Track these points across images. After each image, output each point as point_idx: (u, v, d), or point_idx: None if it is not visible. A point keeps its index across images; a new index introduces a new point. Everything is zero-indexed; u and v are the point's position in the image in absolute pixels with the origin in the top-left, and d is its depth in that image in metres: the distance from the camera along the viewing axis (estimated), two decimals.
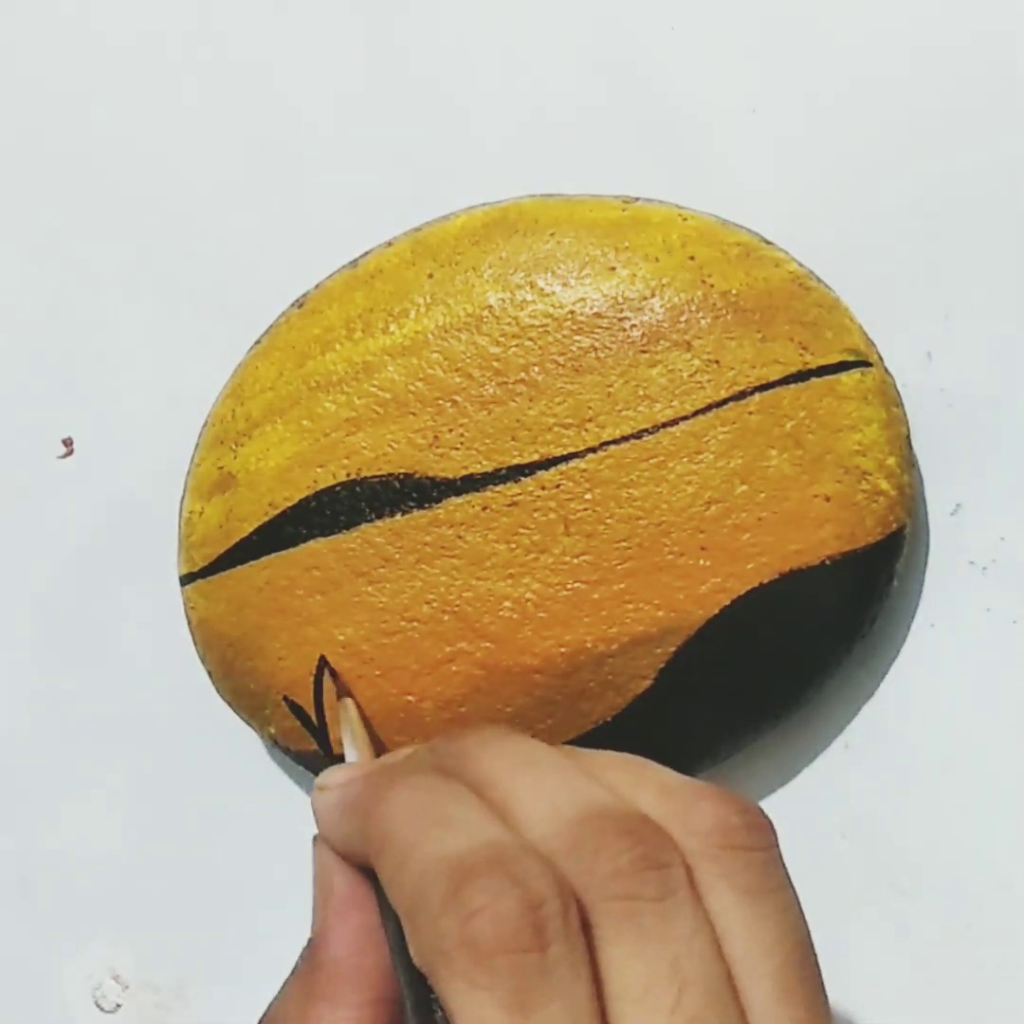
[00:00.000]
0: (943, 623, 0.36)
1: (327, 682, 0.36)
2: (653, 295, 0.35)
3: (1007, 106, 0.36)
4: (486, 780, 0.24)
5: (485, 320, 0.36)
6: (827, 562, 0.34)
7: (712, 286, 0.35)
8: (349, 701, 0.35)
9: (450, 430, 0.36)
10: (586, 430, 0.35)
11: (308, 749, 0.37)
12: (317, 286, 0.38)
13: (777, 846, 0.24)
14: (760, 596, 0.34)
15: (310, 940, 0.27)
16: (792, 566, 0.34)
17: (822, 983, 0.23)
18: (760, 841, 0.23)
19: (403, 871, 0.23)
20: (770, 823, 0.24)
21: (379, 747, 0.36)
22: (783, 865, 0.24)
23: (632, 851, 0.22)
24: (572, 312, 0.35)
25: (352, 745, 0.34)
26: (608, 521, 0.34)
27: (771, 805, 0.37)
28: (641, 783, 0.24)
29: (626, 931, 0.22)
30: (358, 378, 0.36)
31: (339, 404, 0.37)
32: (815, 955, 0.23)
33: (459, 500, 0.35)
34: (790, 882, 0.24)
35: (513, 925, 0.21)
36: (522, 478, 0.35)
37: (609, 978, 0.22)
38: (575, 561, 0.35)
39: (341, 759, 0.37)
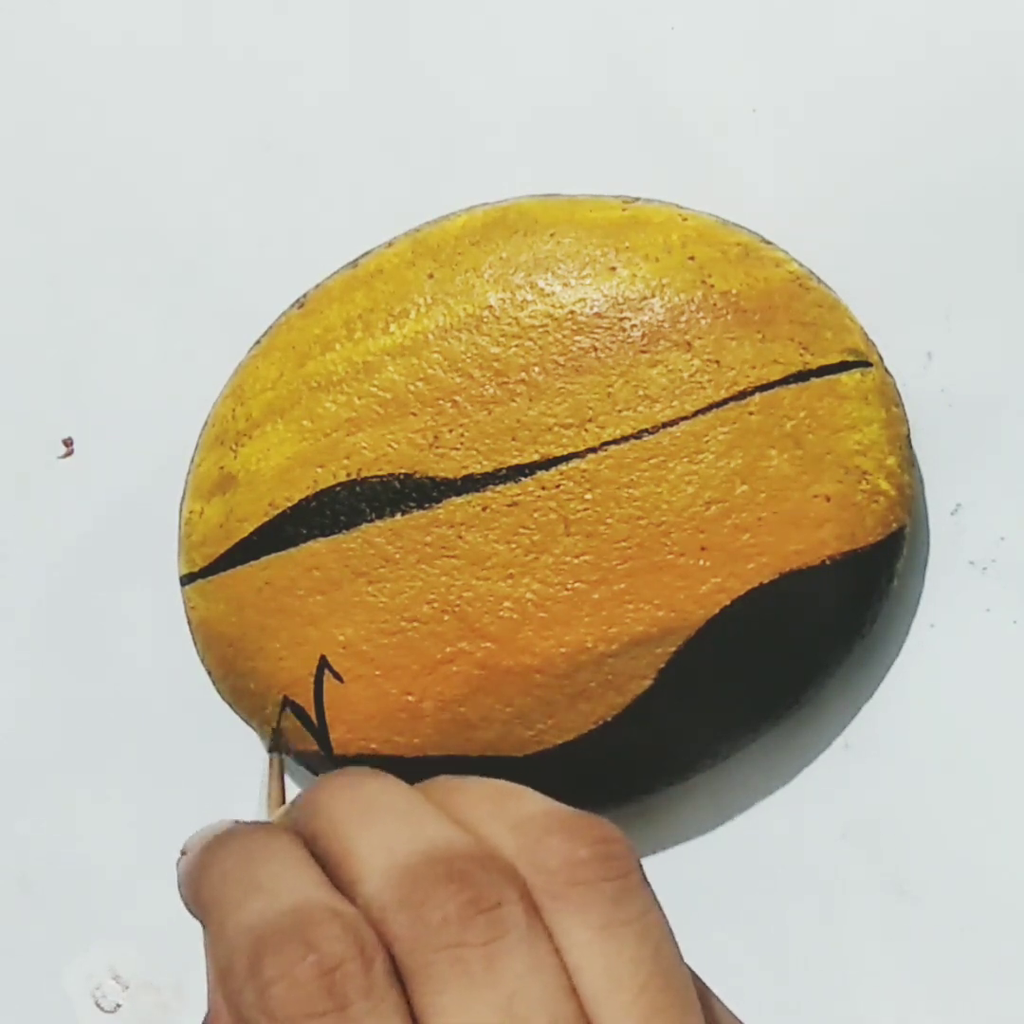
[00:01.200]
0: (943, 623, 0.36)
1: (328, 683, 0.36)
2: (653, 295, 0.35)
3: (1007, 106, 0.36)
4: (327, 831, 0.24)
5: (485, 320, 0.36)
6: (827, 562, 0.34)
7: (712, 286, 0.35)
8: (276, 758, 0.36)
9: (450, 430, 0.36)
10: (586, 430, 0.35)
11: (308, 749, 0.37)
12: (317, 286, 0.38)
13: (635, 871, 0.23)
14: (760, 596, 0.34)
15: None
16: (792, 566, 0.34)
17: (692, 1005, 0.23)
18: (611, 871, 0.23)
19: (216, 942, 0.23)
20: (626, 848, 0.24)
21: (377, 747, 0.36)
22: (642, 890, 0.23)
23: (458, 897, 0.22)
24: (572, 312, 0.35)
25: (261, 804, 0.34)
26: (608, 521, 0.34)
27: (771, 805, 0.37)
28: (497, 816, 0.24)
29: (453, 979, 0.21)
30: (358, 378, 0.36)
31: (339, 404, 0.36)
32: (682, 978, 0.23)
33: (459, 500, 0.35)
34: (653, 905, 0.23)
35: (307, 990, 0.21)
36: (522, 478, 0.35)
37: None
38: (575, 561, 0.35)
39: (343, 759, 0.37)
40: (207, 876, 0.25)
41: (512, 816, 0.24)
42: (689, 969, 0.24)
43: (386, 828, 0.24)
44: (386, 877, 0.23)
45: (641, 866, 0.24)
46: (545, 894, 0.23)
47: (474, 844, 0.23)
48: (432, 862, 0.22)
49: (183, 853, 0.28)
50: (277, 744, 0.37)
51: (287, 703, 0.37)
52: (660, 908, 0.23)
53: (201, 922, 0.24)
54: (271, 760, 0.36)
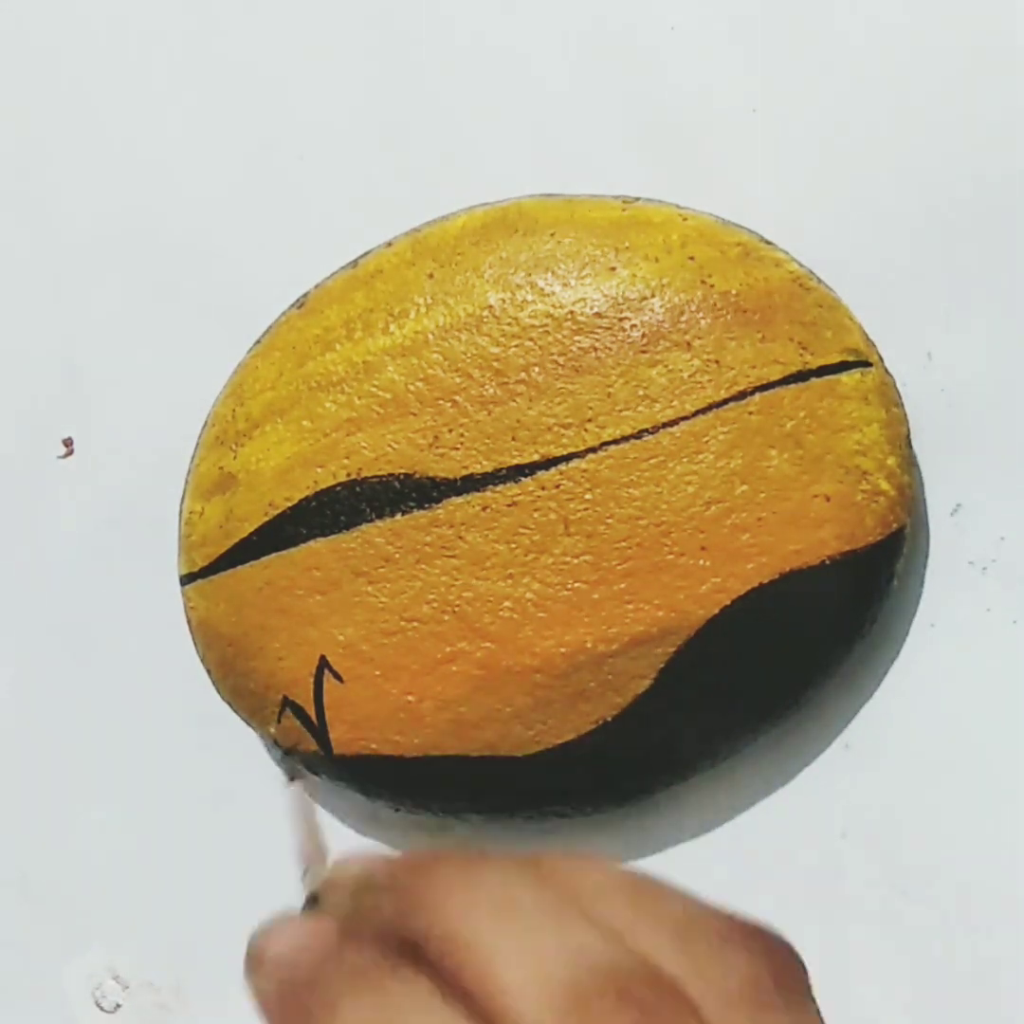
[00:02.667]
0: (943, 623, 0.36)
1: (328, 683, 0.36)
2: (653, 295, 0.35)
3: (1007, 107, 0.36)
4: (457, 939, 0.20)
5: (485, 320, 0.36)
6: (827, 562, 0.34)
7: (712, 286, 0.35)
8: (298, 787, 0.30)
9: (450, 430, 0.36)
10: (586, 430, 0.35)
11: (308, 749, 0.37)
12: (317, 286, 0.38)
13: (809, 992, 0.21)
14: (760, 596, 0.34)
15: None
16: (792, 566, 0.34)
17: None
18: (794, 996, 0.21)
19: None
20: (801, 962, 0.21)
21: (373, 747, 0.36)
22: (812, 1012, 0.21)
23: (636, 1018, 0.19)
24: (572, 312, 0.35)
25: (298, 845, 0.30)
26: (608, 521, 0.34)
27: (771, 805, 0.37)
28: (647, 920, 0.21)
29: None
30: (358, 378, 0.36)
31: (339, 404, 0.36)
32: None
33: (459, 500, 0.35)
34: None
35: None
36: (522, 478, 0.35)
37: None
38: (575, 561, 0.35)
39: (342, 759, 0.37)
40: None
41: (668, 921, 0.21)
42: None
43: (532, 933, 0.20)
44: (542, 996, 0.19)
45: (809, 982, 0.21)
46: (723, 1018, 0.20)
47: (633, 957, 0.20)
48: (597, 980, 0.19)
49: (257, 961, 0.24)
50: (293, 769, 0.34)
51: (287, 703, 0.37)
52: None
53: None
54: (294, 791, 0.30)
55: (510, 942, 0.20)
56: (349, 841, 0.40)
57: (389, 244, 0.38)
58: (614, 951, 0.20)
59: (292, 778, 0.33)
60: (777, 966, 0.21)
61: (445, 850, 0.24)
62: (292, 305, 0.39)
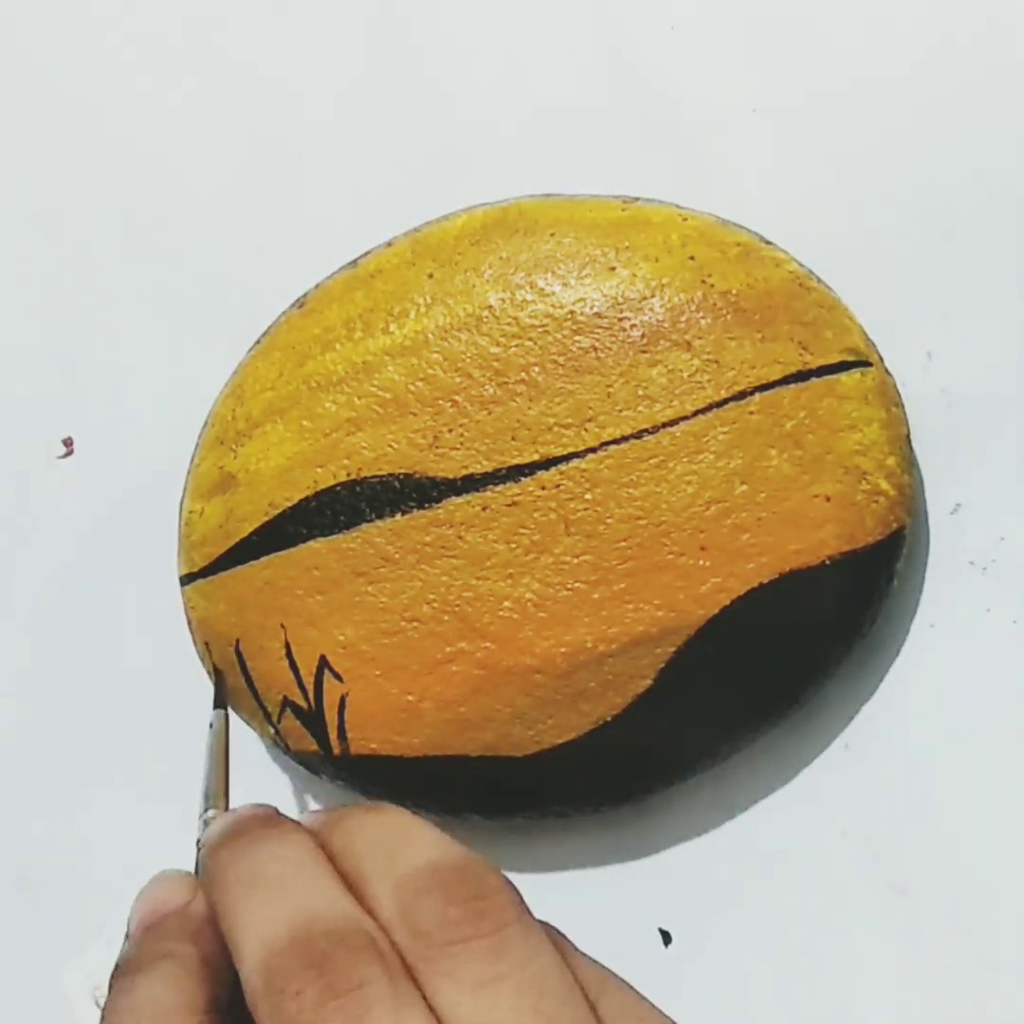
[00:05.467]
0: (943, 623, 0.36)
1: (328, 683, 0.36)
2: (653, 295, 0.35)
3: (1007, 106, 0.36)
4: (216, 907, 0.25)
5: (485, 320, 0.36)
6: (827, 562, 0.34)
7: (712, 286, 0.35)
8: (221, 714, 0.36)
9: (450, 430, 0.36)
10: (586, 430, 0.35)
11: (308, 749, 0.37)
12: (317, 286, 0.38)
13: (514, 922, 0.23)
14: (760, 596, 0.34)
15: None
16: (792, 566, 0.34)
17: None
18: (485, 927, 0.23)
19: None
20: (505, 900, 0.23)
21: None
22: (522, 941, 0.23)
23: (316, 983, 0.22)
24: (572, 312, 0.35)
25: (210, 772, 0.34)
26: (608, 521, 0.34)
27: (771, 805, 0.37)
28: (384, 871, 0.24)
29: None
30: (358, 378, 0.36)
31: (339, 404, 0.36)
32: (574, 1013, 0.23)
33: (459, 500, 0.35)
34: (536, 953, 0.23)
35: None
36: (522, 478, 0.35)
37: None
38: (575, 561, 0.35)
39: (342, 759, 0.37)
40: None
41: (397, 869, 0.24)
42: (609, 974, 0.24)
43: (262, 903, 0.24)
44: (253, 965, 0.23)
45: (526, 913, 0.23)
46: (419, 958, 0.23)
47: (346, 914, 0.23)
48: (296, 945, 0.23)
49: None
50: (221, 697, 0.36)
51: (287, 703, 0.37)
52: (549, 951, 0.23)
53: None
54: (216, 718, 0.36)
55: (249, 913, 0.24)
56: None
57: (389, 244, 0.38)
58: (330, 910, 0.23)
59: (217, 705, 0.35)
60: (468, 903, 0.23)
61: (245, 821, 0.27)
62: (292, 305, 0.39)
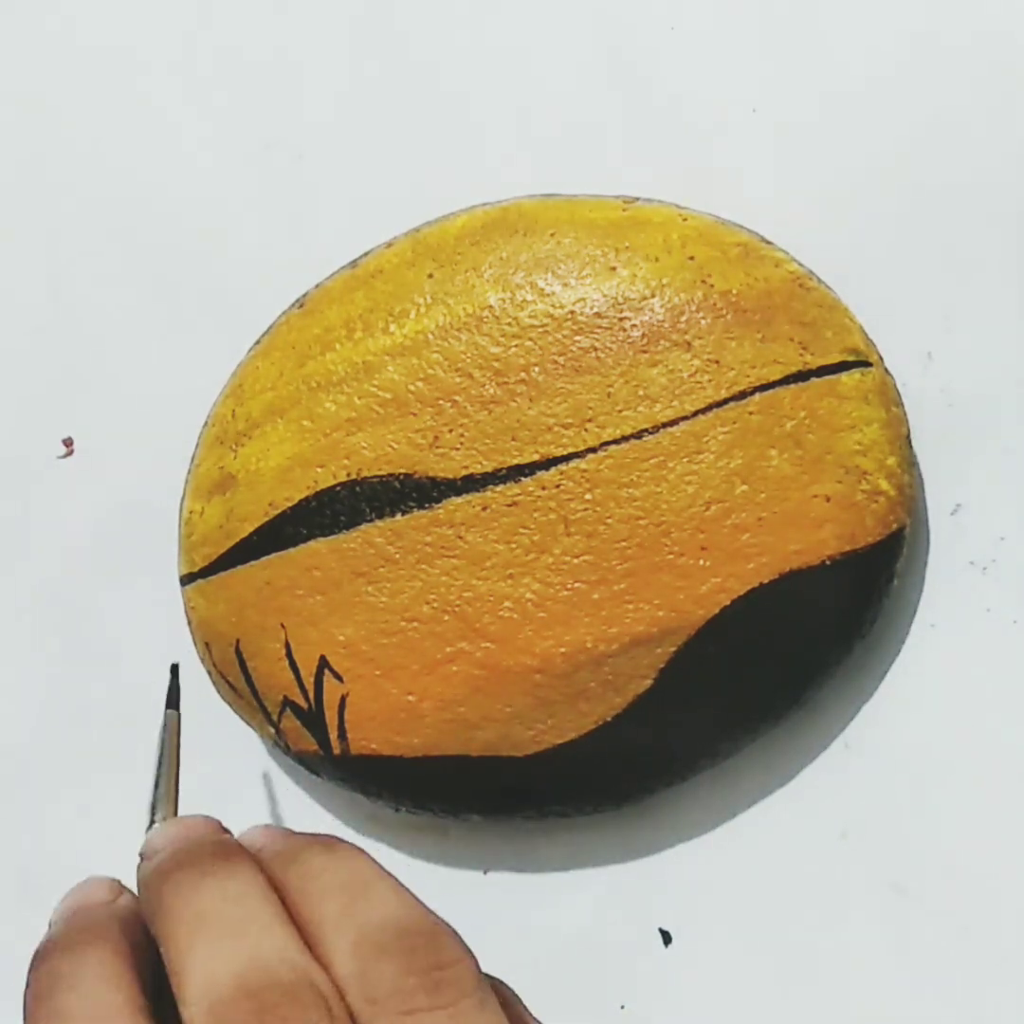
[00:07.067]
0: (943, 623, 0.36)
1: (328, 683, 0.36)
2: (653, 295, 0.35)
3: (1007, 107, 0.36)
4: (162, 939, 0.24)
5: (485, 320, 0.36)
6: (827, 562, 0.34)
7: (712, 286, 0.35)
8: (174, 715, 0.34)
9: (450, 430, 0.36)
10: (586, 430, 0.35)
11: (308, 749, 0.37)
12: (317, 286, 0.38)
13: (470, 995, 0.23)
14: (760, 596, 0.34)
15: None
16: (792, 566, 0.34)
17: None
18: (442, 999, 0.22)
19: None
20: (463, 970, 0.23)
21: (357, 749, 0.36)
22: (478, 1012, 0.23)
23: None
24: (572, 312, 0.35)
25: (160, 775, 0.33)
26: (608, 521, 0.34)
27: (771, 805, 0.37)
28: (342, 923, 0.23)
29: None
30: (358, 378, 0.36)
31: (339, 404, 0.37)
32: None
33: (459, 500, 0.35)
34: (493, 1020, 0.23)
35: None
36: (522, 478, 0.35)
37: None
38: (575, 561, 0.35)
39: (342, 759, 0.37)
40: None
41: (357, 924, 0.23)
42: None
43: (212, 945, 0.23)
44: (197, 1010, 0.22)
45: (483, 985, 0.23)
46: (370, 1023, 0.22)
47: (298, 967, 0.23)
48: (244, 995, 0.22)
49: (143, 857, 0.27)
50: (174, 696, 0.35)
51: (287, 703, 0.37)
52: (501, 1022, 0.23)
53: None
54: (168, 718, 0.34)
55: (197, 952, 0.23)
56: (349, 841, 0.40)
57: (389, 244, 0.38)
58: (282, 960, 0.22)
59: (170, 705, 0.34)
60: (427, 973, 0.22)
61: (197, 850, 0.26)
62: (292, 305, 0.39)
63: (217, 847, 0.26)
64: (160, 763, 0.33)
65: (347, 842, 0.26)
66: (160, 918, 0.25)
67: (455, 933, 0.24)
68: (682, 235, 0.35)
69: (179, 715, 0.35)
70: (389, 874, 0.25)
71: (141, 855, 0.27)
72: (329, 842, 0.26)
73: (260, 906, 0.24)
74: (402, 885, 0.24)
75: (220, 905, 0.24)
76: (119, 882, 0.27)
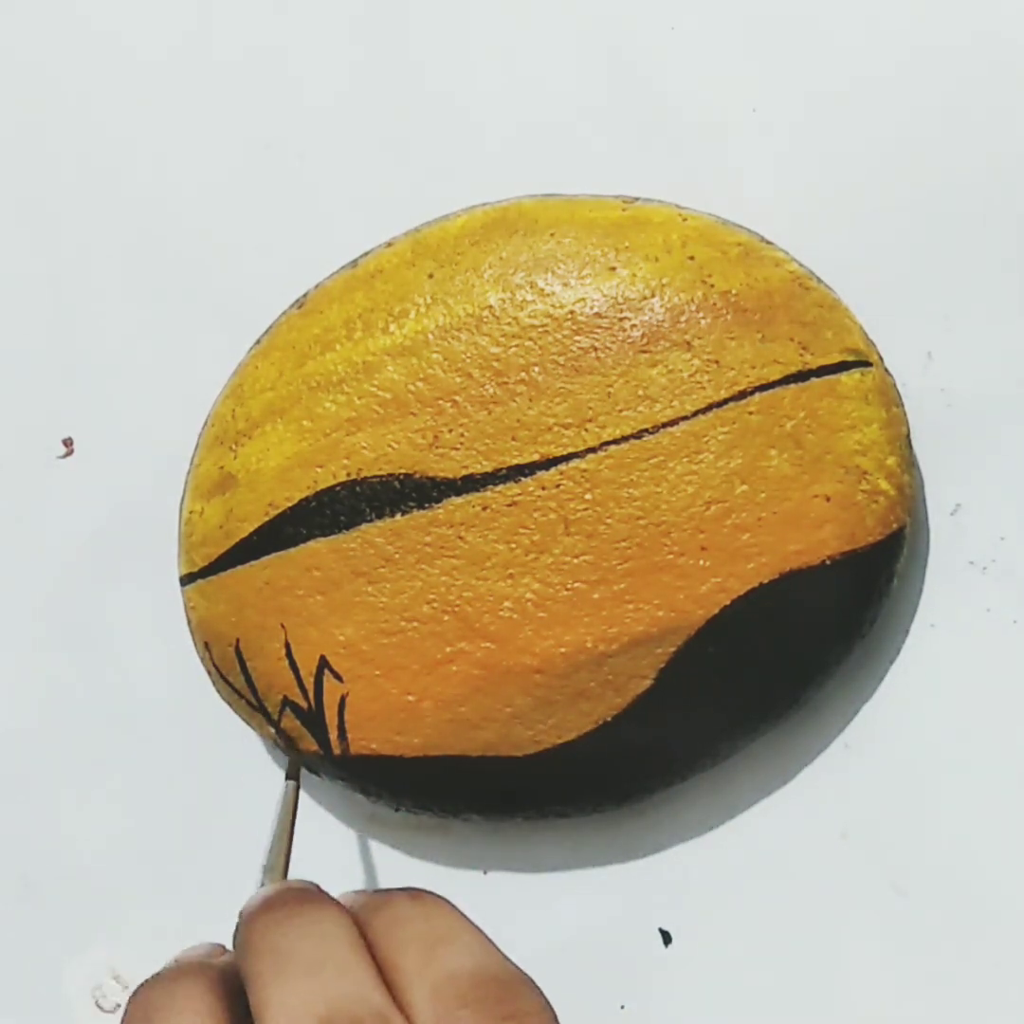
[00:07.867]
0: (943, 623, 0.36)
1: (328, 683, 0.36)
2: (653, 295, 0.35)
3: (1007, 107, 0.36)
4: (247, 979, 0.24)
5: (485, 320, 0.36)
6: (827, 562, 0.34)
7: (712, 286, 0.35)
8: (292, 786, 0.35)
9: (450, 430, 0.36)
10: (586, 430, 0.35)
11: (308, 749, 0.37)
12: (317, 286, 0.38)
13: None
14: (760, 596, 0.34)
15: None
16: (792, 566, 0.34)
17: None
18: None
19: None
20: (542, 1018, 0.23)
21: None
22: None
23: None
24: (572, 312, 0.35)
25: (275, 836, 0.33)
26: (608, 521, 0.34)
27: (771, 805, 0.37)
28: (422, 970, 0.24)
29: None
30: (358, 378, 0.36)
31: (339, 404, 0.37)
32: None
33: (459, 500, 0.35)
34: None
35: None
36: (522, 478, 0.35)
37: None
38: (575, 561, 0.35)
39: (342, 759, 0.37)
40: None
41: (437, 972, 0.24)
42: None
43: (294, 983, 0.24)
44: None
45: None
46: None
47: (377, 1009, 0.23)
48: None
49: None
50: (295, 768, 0.36)
51: (287, 703, 0.37)
52: None
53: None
54: (287, 789, 0.35)
55: (281, 991, 0.23)
56: (349, 841, 0.40)
57: (389, 244, 0.38)
58: (364, 1005, 0.23)
59: (289, 777, 0.34)
60: (507, 1021, 0.23)
61: (288, 893, 0.26)
62: (292, 305, 0.39)
63: (305, 891, 0.26)
64: (276, 831, 0.33)
65: (433, 893, 0.26)
66: (246, 956, 0.25)
67: (534, 984, 0.24)
68: (682, 235, 0.35)
69: (298, 785, 0.35)
70: (473, 924, 0.25)
71: (240, 915, 0.27)
72: (416, 892, 0.26)
73: (344, 948, 0.24)
74: (485, 935, 0.25)
75: (304, 944, 0.24)
76: (224, 946, 0.28)
